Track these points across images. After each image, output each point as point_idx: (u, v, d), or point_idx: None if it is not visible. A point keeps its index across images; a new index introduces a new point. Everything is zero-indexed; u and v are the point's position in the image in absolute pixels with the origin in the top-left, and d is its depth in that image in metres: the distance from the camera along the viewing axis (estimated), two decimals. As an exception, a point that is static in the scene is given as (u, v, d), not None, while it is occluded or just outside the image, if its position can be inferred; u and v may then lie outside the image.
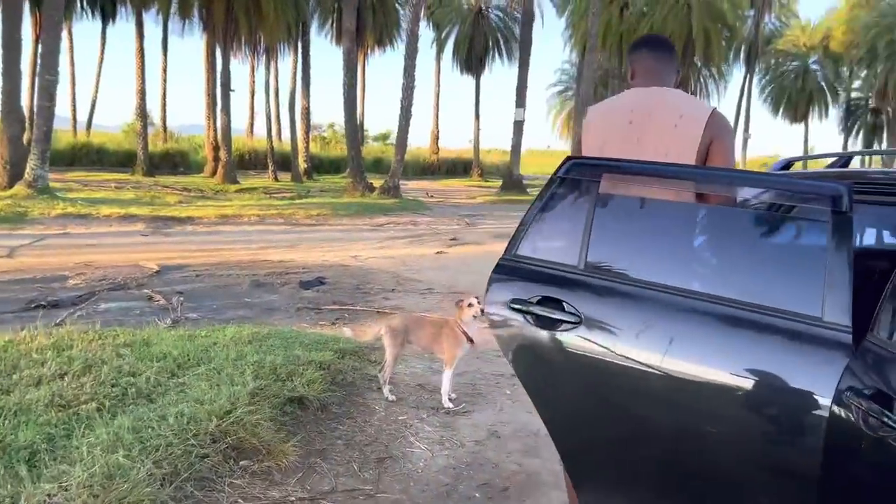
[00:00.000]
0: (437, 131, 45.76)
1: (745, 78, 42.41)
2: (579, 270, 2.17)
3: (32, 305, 6.45)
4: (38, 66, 17.90)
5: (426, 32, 38.52)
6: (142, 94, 28.57)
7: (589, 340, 2.07)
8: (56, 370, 3.68)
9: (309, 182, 30.66)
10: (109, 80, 40.17)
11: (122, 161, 32.60)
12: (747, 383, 1.82)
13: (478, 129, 42.94)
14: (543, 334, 2.17)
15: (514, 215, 17.19)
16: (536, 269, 2.26)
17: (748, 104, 41.23)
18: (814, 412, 1.70)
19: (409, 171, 36.05)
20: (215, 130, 29.84)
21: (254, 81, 38.01)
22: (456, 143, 60.77)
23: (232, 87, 26.87)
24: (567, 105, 48.58)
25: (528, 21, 29.19)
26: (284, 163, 32.54)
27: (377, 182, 23.45)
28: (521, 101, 27.46)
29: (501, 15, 42.55)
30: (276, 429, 3.29)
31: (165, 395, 3.47)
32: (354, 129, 22.05)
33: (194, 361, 4.04)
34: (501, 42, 42.32)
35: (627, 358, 2.00)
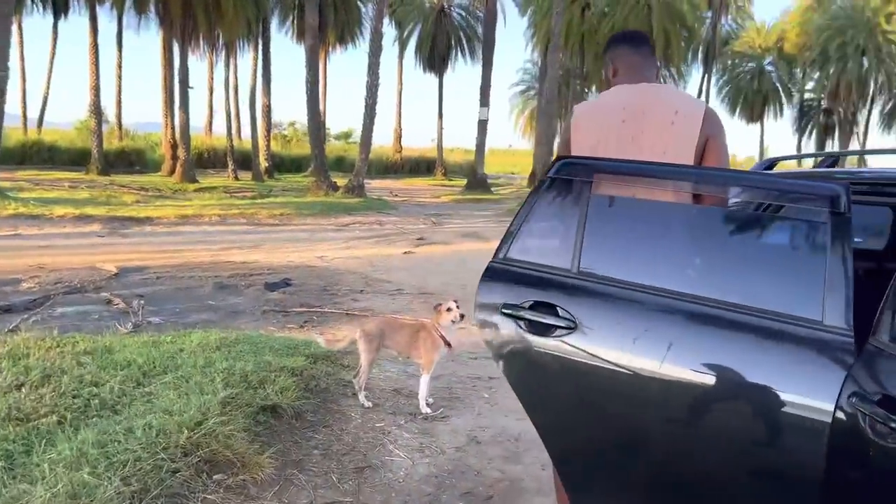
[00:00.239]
0: (400, 130, 45.58)
1: (702, 78, 43.14)
2: (573, 274, 2.10)
3: (-17, 311, 6.16)
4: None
5: (388, 31, 38.32)
6: (96, 90, 27.74)
7: (585, 346, 2.01)
8: (12, 381, 3.48)
9: (270, 181, 30.19)
10: (62, 77, 38.99)
11: (75, 159, 31.63)
12: (747, 389, 1.78)
13: (441, 127, 42.90)
14: (537, 340, 2.09)
15: (480, 214, 17.31)
16: (528, 272, 2.18)
17: (707, 103, 41.81)
18: (816, 418, 1.66)
19: (373, 169, 35.79)
20: (173, 128, 29.18)
21: (212, 78, 37.35)
22: (418, 142, 60.55)
23: (190, 85, 26.30)
24: (530, 104, 48.78)
25: (491, 20, 29.23)
26: (244, 161, 32.00)
27: (341, 181, 23.21)
28: (485, 101, 27.45)
29: (464, 14, 42.56)
30: (250, 440, 3.15)
31: (131, 406, 3.31)
32: (318, 128, 21.75)
33: (160, 369, 3.87)
34: (464, 41, 42.30)
35: (624, 364, 1.94)
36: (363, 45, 40.65)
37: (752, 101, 45.10)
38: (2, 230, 12.01)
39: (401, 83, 44.24)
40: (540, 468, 3.40)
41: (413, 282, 8.82)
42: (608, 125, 2.29)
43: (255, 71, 31.62)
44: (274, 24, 34.67)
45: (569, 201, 2.22)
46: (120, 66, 33.83)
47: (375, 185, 28.41)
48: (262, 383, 3.77)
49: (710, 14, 37.60)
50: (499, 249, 2.26)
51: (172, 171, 27.81)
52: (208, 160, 36.34)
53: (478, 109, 28.04)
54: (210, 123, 40.45)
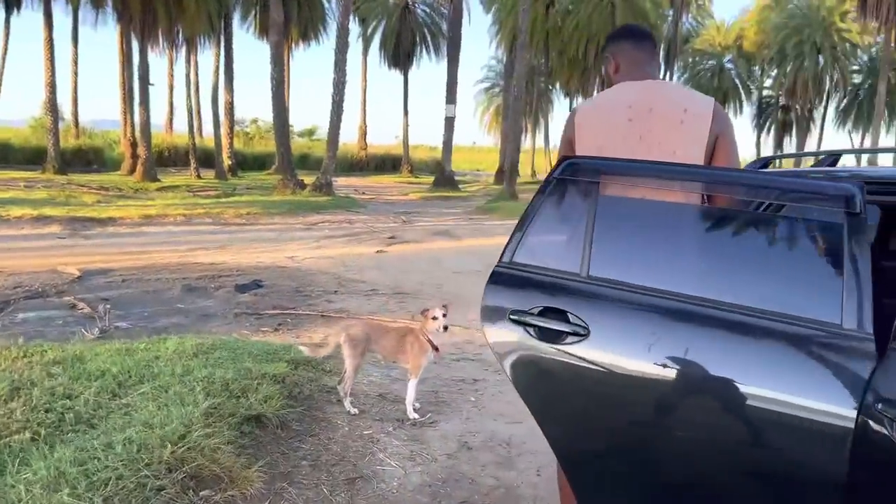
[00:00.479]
0: (365, 127, 45.27)
1: (664, 75, 43.70)
2: (582, 278, 2.02)
3: (-60, 319, 5.88)
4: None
5: (352, 27, 37.83)
6: (51, 87, 26.88)
7: (597, 353, 1.94)
8: (-22, 395, 3.29)
9: (234, 179, 29.67)
10: (14, 74, 37.73)
11: (29, 158, 30.66)
12: (766, 395, 1.72)
13: (407, 124, 42.66)
14: (547, 348, 2.02)
15: (450, 212, 17.25)
16: (536, 277, 2.10)
17: (668, 101, 42.43)
18: (838, 424, 1.62)
19: (338, 167, 35.31)
20: (132, 126, 28.47)
21: (172, 75, 36.59)
22: (381, 140, 60.23)
23: (151, 81, 25.68)
24: (495, 101, 48.85)
25: (456, 17, 29.15)
26: (206, 159, 31.37)
27: (307, 179, 22.89)
28: (451, 98, 27.37)
29: (428, 10, 42.36)
30: (237, 453, 3.02)
31: (108, 420, 3.15)
32: (284, 125, 21.41)
33: (136, 379, 3.70)
34: (429, 37, 42.12)
35: (639, 371, 1.88)
36: (326, 42, 40.31)
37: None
38: (-45, 232, 11.56)
39: (365, 80, 43.96)
40: (535, 474, 3.34)
41: (387, 281, 8.70)
42: (614, 124, 2.22)
43: (217, 67, 31.02)
44: (235, 19, 34.11)
45: (575, 203, 2.14)
46: (76, 63, 32.92)
47: (341, 183, 28.08)
48: (244, 392, 3.63)
49: (671, 12, 38.08)
50: (504, 253, 2.17)
51: (133, 170, 27.13)
52: (169, 158, 35.59)
53: (444, 107, 27.94)
54: (170, 121, 39.63)
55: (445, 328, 3.78)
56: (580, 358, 1.96)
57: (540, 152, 45.47)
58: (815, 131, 45.22)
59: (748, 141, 48.44)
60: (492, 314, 2.13)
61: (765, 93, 47.40)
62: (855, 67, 43.16)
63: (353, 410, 3.88)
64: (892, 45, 30.09)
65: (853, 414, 1.60)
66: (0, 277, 7.99)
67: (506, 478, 3.27)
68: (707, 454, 1.87)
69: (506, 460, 3.46)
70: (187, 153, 30.98)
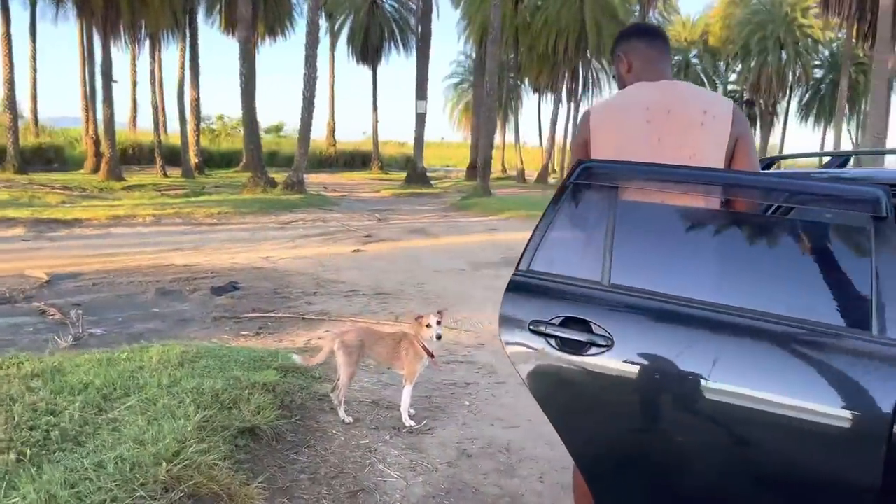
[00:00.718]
0: (334, 123, 44.84)
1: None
2: (604, 287, 1.96)
3: None
4: None
5: (320, 22, 37.52)
6: (10, 84, 26.10)
7: (623, 364, 1.88)
8: (-46, 413, 3.12)
9: (202, 177, 29.18)
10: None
11: (-13, 157, 29.78)
12: (798, 404, 1.68)
13: (376, 120, 42.37)
14: (570, 359, 1.95)
15: (424, 209, 17.14)
16: (555, 285, 2.04)
17: (636, 96, 42.86)
18: (871, 431, 1.59)
19: (307, 164, 35.08)
20: (95, 123, 27.81)
21: (135, 71, 35.81)
22: (349, 135, 59.76)
23: (114, 78, 25.07)
24: (464, 97, 48.80)
25: (426, 12, 28.99)
26: (172, 157, 30.79)
27: (277, 176, 22.58)
28: (422, 94, 27.22)
29: (396, 5, 42.10)
30: (234, 469, 2.90)
31: (96, 437, 3.00)
32: (253, 122, 21.05)
33: (122, 391, 3.55)
34: (397, 33, 41.88)
35: (667, 382, 1.82)
36: (292, 37, 39.84)
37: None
38: (-86, 236, 11.14)
39: (333, 76, 43.52)
40: (538, 480, 3.28)
41: (366, 282, 8.59)
42: (632, 126, 2.16)
43: (182, 63, 30.44)
44: (200, 14, 33.50)
45: (594, 208, 2.08)
46: (34, 59, 32.00)
47: (311, 180, 27.75)
48: (236, 403, 3.51)
49: (638, 7, 38.38)
50: (521, 260, 2.10)
51: (96, 169, 26.50)
52: (133, 156, 34.84)
53: (415, 102, 27.78)
54: (134, 118, 38.79)
55: (439, 337, 3.70)
56: (604, 369, 1.90)
57: (511, 148, 45.53)
58: (778, 125, 46.04)
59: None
60: (510, 324, 2.06)
61: (730, 87, 48.08)
62: (817, 62, 44.07)
63: (348, 419, 3.78)
64: (853, 40, 30.71)
65: (888, 420, 1.57)
66: (-36, 283, 7.71)
67: (509, 486, 3.21)
68: (736, 465, 1.83)
69: (507, 467, 3.40)
70: (152, 151, 30.39)
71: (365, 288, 8.22)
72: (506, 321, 2.06)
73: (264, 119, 24.73)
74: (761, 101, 44.08)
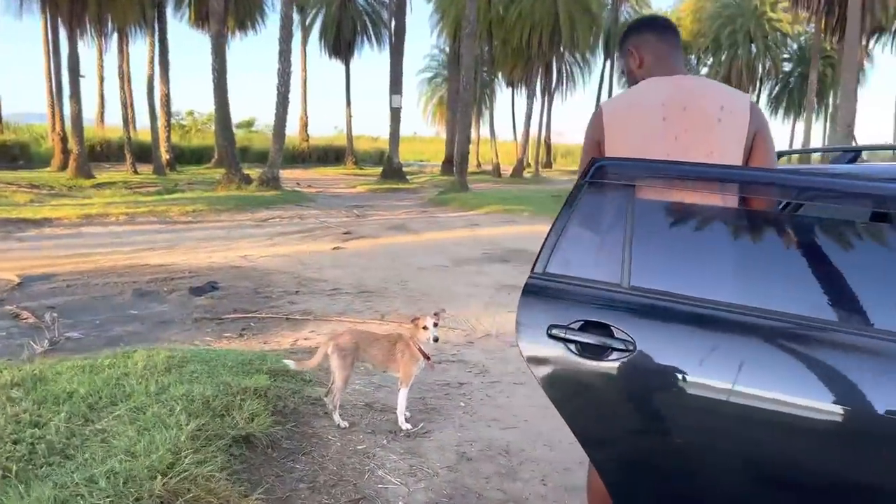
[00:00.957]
0: (306, 118, 44.45)
1: (603, 65, 44.38)
2: (624, 290, 1.90)
3: None
4: None
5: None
6: (-27, 79, 25.45)
7: (645, 370, 1.82)
8: (-68, 427, 2.97)
9: (173, 174, 28.70)
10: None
11: (-51, 156, 29.00)
12: (829, 409, 1.64)
13: (350, 115, 42.04)
14: (591, 365, 1.89)
15: (402, 205, 17.03)
16: (573, 288, 1.97)
17: (610, 90, 43.13)
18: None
19: (281, 160, 34.69)
20: (62, 119, 27.18)
21: (102, 66, 35.08)
22: (321, 131, 59.24)
23: (82, 73, 24.50)
24: (438, 91, 48.63)
25: (400, 6, 28.78)
26: (142, 154, 30.24)
27: (251, 173, 22.26)
28: (397, 88, 27.04)
29: (369, -1, 41.78)
30: (231, 480, 2.80)
31: (85, 449, 2.88)
32: (227, 118, 20.69)
33: (108, 400, 3.42)
34: (370, 27, 41.55)
35: (691, 388, 1.77)
36: (263, 32, 39.31)
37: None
38: None
39: (305, 70, 43.07)
40: (540, 483, 3.22)
41: (349, 280, 8.48)
42: (648, 124, 2.09)
43: (151, 58, 29.87)
44: (169, 8, 32.86)
45: (610, 208, 2.02)
46: (-3, 54, 31.22)
47: (285, 176, 27.41)
48: (228, 409, 3.40)
49: (611, 1, 38.61)
50: (537, 262, 2.03)
51: (64, 166, 25.92)
52: (102, 153, 34.16)
53: (389, 97, 27.59)
54: (101, 114, 38.00)
55: (436, 339, 3.62)
56: (626, 374, 1.84)
57: (485, 143, 45.49)
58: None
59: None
60: (527, 329, 1.99)
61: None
62: (786, 56, 44.68)
63: (344, 424, 3.69)
64: (822, 34, 31.17)
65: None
66: (-69, 286, 7.45)
67: (512, 490, 3.15)
68: (764, 472, 1.78)
69: (509, 470, 3.34)
70: (121, 148, 29.80)
71: (348, 286, 8.11)
72: (523, 326, 1.99)
73: (234, 114, 24.61)
74: (731, 95, 44.45)
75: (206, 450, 2.91)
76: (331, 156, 45.71)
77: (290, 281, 8.39)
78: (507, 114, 66.05)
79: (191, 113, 48.01)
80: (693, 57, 46.71)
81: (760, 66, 42.05)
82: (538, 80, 39.02)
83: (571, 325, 1.92)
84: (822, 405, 1.64)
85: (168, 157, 30.96)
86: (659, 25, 2.31)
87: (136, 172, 27.55)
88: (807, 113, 34.34)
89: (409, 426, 3.74)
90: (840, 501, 1.70)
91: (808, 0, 28.54)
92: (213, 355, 4.37)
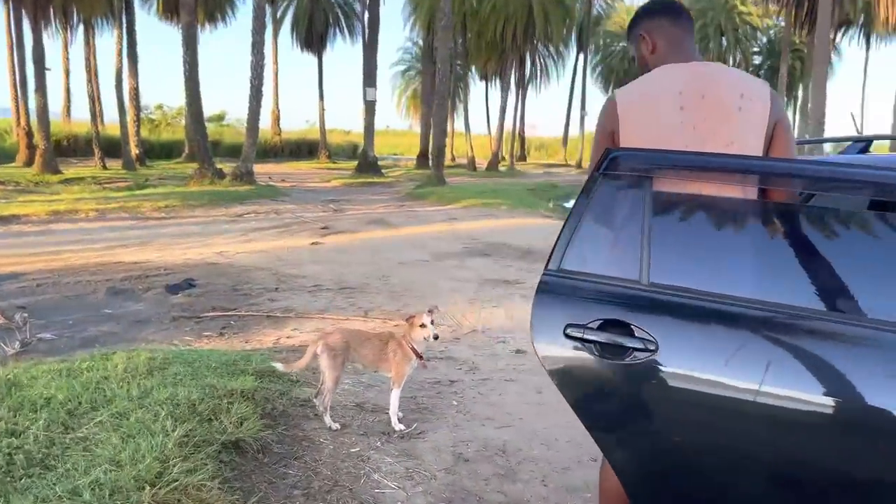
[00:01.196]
0: (278, 111, 43.84)
1: (576, 58, 44.53)
2: (643, 286, 1.82)
3: None
4: None
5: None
6: (-68, 73, 24.67)
7: (670, 370, 1.74)
8: None
9: (144, 169, 28.11)
10: None
11: None
12: (865, 409, 1.57)
13: (323, 108, 41.57)
14: (611, 365, 1.81)
15: (378, 199, 16.87)
16: (590, 285, 1.89)
17: (583, 83, 43.32)
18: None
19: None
20: (27, 114, 26.48)
21: (68, 59, 34.27)
22: (292, 124, 58.55)
23: (47, 66, 23.85)
24: (412, 84, 48.35)
25: (374, -1, 28.44)
26: (110, 149, 29.55)
27: (224, 167, 21.88)
28: (371, 81, 26.76)
29: (341, -9, 41.34)
30: (223, 488, 2.67)
31: (66, 459, 2.73)
32: (199, 112, 20.27)
33: (88, 405, 3.26)
34: (342, 19, 41.13)
35: (716, 388, 1.69)
36: (233, 24, 38.74)
37: (624, 79, 46.91)
38: None
39: (276, 63, 42.45)
40: (541, 484, 3.14)
41: (329, 276, 8.33)
42: (664, 114, 2.00)
43: (119, 50, 29.19)
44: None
45: (627, 200, 1.94)
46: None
47: (258, 170, 27.07)
48: (215, 413, 3.26)
49: (584, -5, 38.73)
50: (550, 259, 1.94)
51: (30, 162, 25.26)
52: (69, 148, 33.35)
53: (364, 90, 27.30)
54: (68, 108, 37.12)
55: (436, 337, 3.52)
56: (649, 375, 1.76)
57: (459, 136, 45.38)
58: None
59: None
60: (543, 329, 1.90)
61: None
62: (755, 49, 45.20)
63: (335, 426, 3.57)
64: (792, 28, 31.55)
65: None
66: None
67: (512, 492, 3.06)
68: (793, 474, 1.72)
69: (507, 471, 3.25)
70: (89, 142, 29.15)
71: (328, 282, 7.96)
72: (538, 326, 1.90)
73: (205, 108, 23.91)
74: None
75: (195, 457, 2.77)
76: (304, 150, 45.23)
77: (269, 277, 8.22)
78: (480, 107, 65.86)
79: (160, 107, 47.12)
80: (665, 50, 47.13)
81: (731, 59, 42.49)
82: (512, 72, 38.99)
83: (590, 325, 1.83)
84: (856, 405, 1.57)
85: (138, 151, 30.33)
86: (673, 9, 2.21)
87: (104, 167, 26.94)
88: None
89: (402, 427, 3.63)
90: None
91: (778, -7, 28.85)
92: (196, 356, 4.22)
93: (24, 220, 12.41)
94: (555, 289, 1.92)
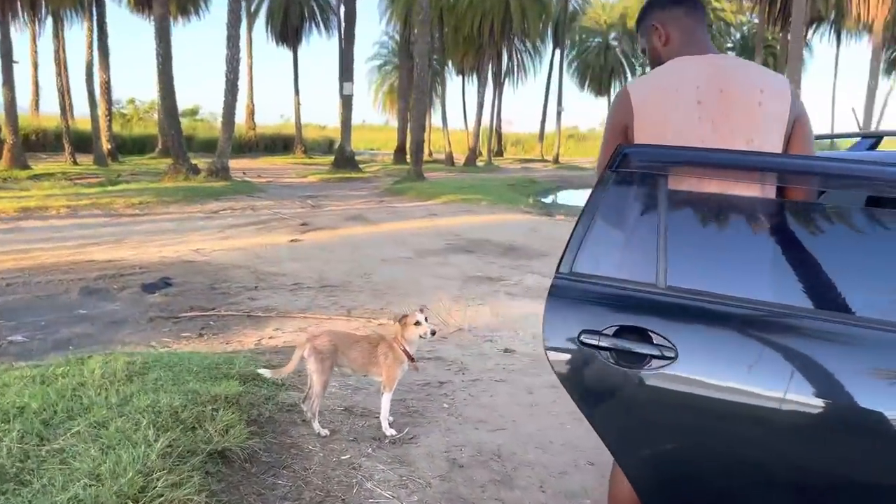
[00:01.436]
0: (253, 106, 43.29)
1: (552, 53, 44.60)
2: (661, 290, 1.73)
3: None
4: None
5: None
6: None
7: (690, 378, 1.66)
8: None
9: (116, 164, 27.53)
10: None
11: None
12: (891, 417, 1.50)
13: (298, 103, 41.13)
14: (629, 374, 1.71)
15: (357, 195, 16.68)
16: (604, 289, 1.79)
17: (560, 78, 43.39)
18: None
19: (228, 149, 33.65)
20: (-6, 108, 25.77)
21: (36, 52, 33.48)
22: (267, 119, 57.90)
23: (15, 59, 23.23)
24: (388, 79, 48.04)
25: (351, -7, 28.13)
26: (81, 144, 28.89)
27: (199, 163, 21.49)
28: (348, 76, 26.48)
29: (317, -16, 40.87)
30: (212, 501, 2.54)
31: (42, 473, 2.58)
32: (173, 106, 19.86)
33: (64, 414, 3.10)
34: (318, 13, 40.69)
35: (739, 396, 1.61)
36: (206, 17, 38.18)
37: (600, 75, 47.12)
38: None
39: (251, 57, 41.87)
40: (539, 490, 3.05)
41: (309, 273, 8.17)
42: (682, 108, 1.90)
43: (90, 43, 28.54)
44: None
45: (641, 199, 1.85)
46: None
47: (233, 165, 26.65)
48: (199, 421, 3.12)
49: (561, -11, 38.72)
50: (562, 261, 1.84)
51: (-2, 157, 24.60)
52: (38, 143, 32.51)
53: (341, 84, 27.02)
54: (36, 102, 36.28)
55: (434, 333, 3.42)
56: (669, 384, 1.67)
57: (436, 131, 45.20)
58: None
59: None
60: (557, 336, 1.80)
61: (647, 69, 49.08)
62: (729, 45, 45.56)
63: (324, 432, 3.44)
64: (765, 24, 31.84)
65: None
66: None
67: (510, 499, 2.96)
68: (820, 485, 1.64)
69: (504, 477, 3.15)
70: (58, 137, 28.43)
71: (309, 280, 7.81)
72: (551, 332, 1.80)
73: (178, 102, 23.17)
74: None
75: (179, 469, 2.64)
76: (279, 145, 44.73)
77: (248, 276, 8.04)
78: (457, 103, 65.66)
79: (132, 101, 46.30)
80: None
81: (705, 55, 42.75)
82: (489, 68, 38.89)
83: (605, 331, 1.74)
84: (886, 413, 1.50)
85: (109, 146, 29.68)
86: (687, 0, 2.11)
87: (75, 163, 26.33)
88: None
89: (393, 432, 3.52)
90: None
91: (752, -10, 29.09)
92: (177, 360, 4.07)
93: (-8, 218, 12.05)
94: (567, 293, 1.82)
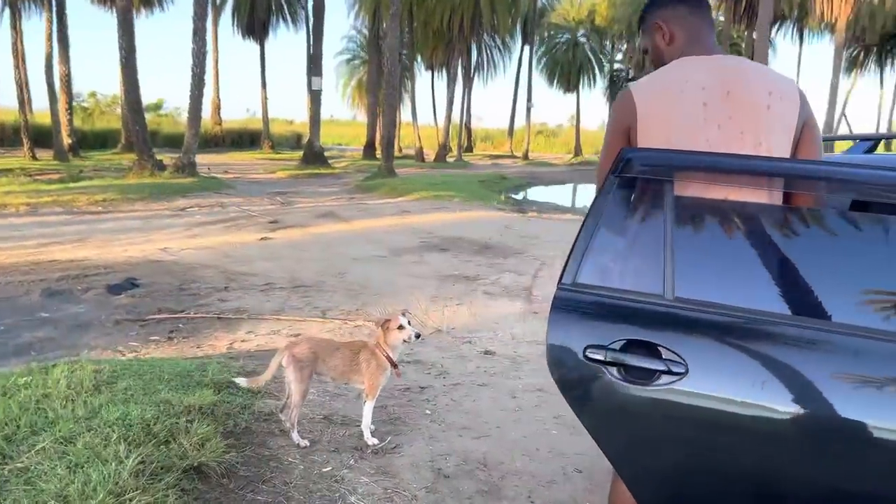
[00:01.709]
0: (219, 101, 42.56)
1: (521, 49, 44.62)
2: (668, 302, 1.66)
3: None
4: None
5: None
6: None
7: (701, 394, 1.58)
8: None
9: (77, 160, 26.80)
10: None
11: None
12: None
13: (265, 98, 40.54)
14: (636, 391, 1.64)
15: (327, 191, 16.43)
16: (609, 301, 1.71)
17: (529, 75, 43.46)
18: None
19: (194, 144, 33.01)
20: (-51, 102, 24.95)
21: (-8, 43, 32.51)
22: (233, 114, 57.08)
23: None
24: (357, 73, 47.64)
25: (319, -14, 27.73)
26: (40, 138, 28.08)
27: (165, 159, 21.02)
28: (317, 70, 26.12)
29: (284, -23, 40.25)
30: (188, 523, 2.41)
31: (6, 495, 2.41)
32: (138, 100, 19.34)
33: (28, 429, 2.93)
34: (285, 6, 40.12)
35: (753, 413, 1.55)
36: (170, 8, 37.40)
37: (568, 71, 47.23)
38: None
39: (217, 51, 41.12)
40: (527, 500, 2.97)
41: (281, 273, 8.00)
42: (688, 111, 1.82)
43: (49, 35, 27.74)
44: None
45: (646, 206, 1.77)
46: None
47: (199, 161, 26.15)
48: (173, 435, 2.98)
49: (530, -14, 38.70)
50: (565, 272, 1.75)
51: (-48, 152, 23.83)
52: (-7, 137, 31.67)
53: (309, 79, 26.65)
54: (-8, 95, 35.26)
55: (419, 336, 3.32)
56: (679, 401, 1.60)
57: (406, 126, 44.96)
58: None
59: (602, 113, 50.49)
60: (560, 350, 1.71)
61: (616, 66, 49.47)
62: (695, 43, 45.94)
63: (304, 443, 3.32)
64: (731, 23, 32.24)
65: None
66: None
67: (499, 510, 2.88)
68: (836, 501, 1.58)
69: (492, 487, 3.06)
70: (16, 131, 27.65)
71: (281, 280, 7.64)
72: (555, 347, 1.71)
73: (142, 96, 22.58)
74: (645, 80, 45.57)
75: (154, 487, 2.50)
76: (245, 140, 44.09)
77: (218, 276, 7.84)
78: (426, 98, 65.39)
79: (93, 94, 45.16)
80: (608, 43, 47.64)
81: (672, 52, 43.15)
82: (458, 63, 38.77)
83: (612, 346, 1.65)
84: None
85: (70, 141, 28.91)
86: None
87: (34, 158, 25.60)
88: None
89: (375, 441, 3.41)
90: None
91: (718, -13, 29.41)
92: (147, 367, 3.90)
93: (-53, 216, 11.61)
94: (571, 306, 1.73)
